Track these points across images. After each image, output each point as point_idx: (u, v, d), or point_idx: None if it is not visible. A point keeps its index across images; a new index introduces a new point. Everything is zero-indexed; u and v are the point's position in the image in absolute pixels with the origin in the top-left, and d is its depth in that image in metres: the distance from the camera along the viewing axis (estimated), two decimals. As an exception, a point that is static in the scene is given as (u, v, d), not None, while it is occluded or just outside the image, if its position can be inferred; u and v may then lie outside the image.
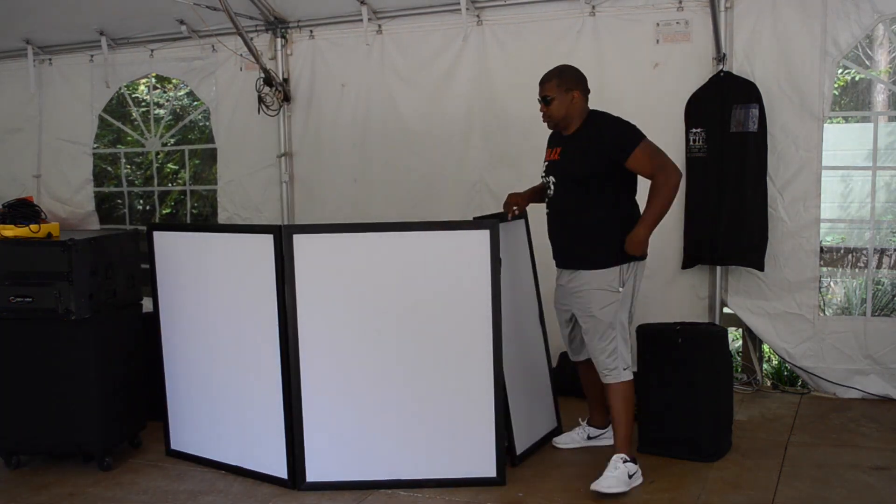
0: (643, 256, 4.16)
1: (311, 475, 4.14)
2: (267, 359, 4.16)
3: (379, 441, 4.12)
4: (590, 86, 5.65)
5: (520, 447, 4.36)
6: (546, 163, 4.26)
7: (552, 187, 4.20)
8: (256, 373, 4.24)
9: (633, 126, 4.08)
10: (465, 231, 4.04)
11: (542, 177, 4.28)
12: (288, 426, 4.14)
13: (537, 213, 5.11)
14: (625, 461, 4.02)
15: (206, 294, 4.42)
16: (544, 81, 4.17)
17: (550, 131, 4.31)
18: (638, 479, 4.07)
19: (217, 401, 4.45)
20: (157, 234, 4.54)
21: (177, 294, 4.52)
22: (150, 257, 4.55)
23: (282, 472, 4.19)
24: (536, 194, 4.42)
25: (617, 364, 4.08)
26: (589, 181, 4.07)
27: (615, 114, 5.63)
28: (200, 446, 4.57)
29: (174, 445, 4.68)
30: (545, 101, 4.15)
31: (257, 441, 4.29)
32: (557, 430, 4.75)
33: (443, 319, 4.06)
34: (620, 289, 4.07)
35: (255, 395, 4.27)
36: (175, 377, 4.62)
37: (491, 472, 4.10)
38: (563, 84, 4.12)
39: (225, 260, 4.31)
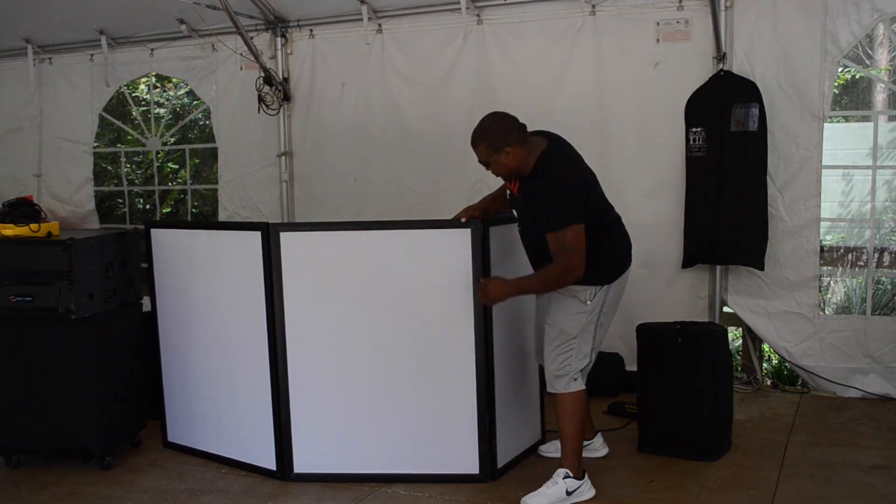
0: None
1: (299, 467, 4.23)
2: (256, 353, 4.24)
3: (365, 435, 4.19)
4: (590, 85, 5.68)
5: (501, 458, 4.25)
6: (509, 192, 4.04)
7: (518, 217, 4.09)
8: (246, 367, 4.33)
9: (569, 205, 3.75)
10: (448, 230, 4.09)
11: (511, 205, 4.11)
12: (276, 420, 4.23)
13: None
14: (566, 476, 3.90)
15: (200, 290, 4.50)
16: (474, 145, 3.90)
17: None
18: (583, 496, 3.93)
19: (210, 394, 4.54)
20: (154, 232, 4.64)
21: (173, 290, 4.61)
22: (147, 255, 4.65)
23: (270, 463, 4.28)
24: (496, 201, 4.20)
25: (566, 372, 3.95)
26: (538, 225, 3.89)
27: (613, 114, 5.63)
28: (196, 439, 4.64)
29: (171, 438, 4.77)
30: (484, 164, 3.92)
31: (248, 433, 4.37)
32: (542, 442, 4.64)
33: (426, 317, 4.12)
34: (589, 302, 3.92)
35: (245, 389, 4.36)
36: (171, 371, 4.71)
37: (474, 469, 4.14)
38: (492, 146, 3.82)
39: (216, 256, 4.41)
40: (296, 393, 4.19)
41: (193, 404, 4.64)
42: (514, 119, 3.90)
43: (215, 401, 4.53)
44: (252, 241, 4.17)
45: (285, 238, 4.11)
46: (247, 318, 4.27)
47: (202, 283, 4.49)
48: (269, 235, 4.12)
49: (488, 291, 3.91)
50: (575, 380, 3.94)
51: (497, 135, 3.82)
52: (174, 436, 4.76)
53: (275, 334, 4.17)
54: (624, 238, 4.09)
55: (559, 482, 3.89)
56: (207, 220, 7.93)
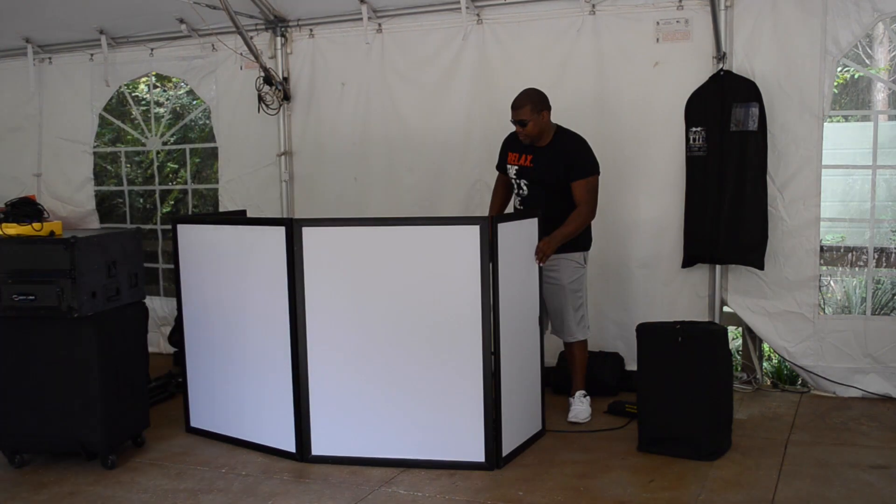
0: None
1: (316, 449, 4.45)
2: (278, 342, 4.46)
3: (377, 422, 4.39)
4: (589, 84, 5.72)
5: (506, 447, 4.39)
6: (516, 167, 5.03)
7: (524, 188, 5.02)
8: (268, 356, 4.56)
9: (594, 158, 4.94)
10: (457, 226, 4.35)
11: (514, 178, 5.07)
12: (296, 405, 4.46)
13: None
14: (584, 395, 5.06)
15: (225, 282, 4.74)
16: (517, 107, 4.86)
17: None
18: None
19: (233, 381, 4.76)
20: (180, 227, 4.94)
21: (197, 282, 4.87)
22: (173, 248, 4.97)
23: (290, 446, 4.49)
24: (505, 202, 5.29)
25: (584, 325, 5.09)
26: (556, 185, 4.90)
27: (613, 113, 5.67)
28: (218, 424, 4.88)
29: (194, 423, 5.02)
30: (521, 123, 4.85)
31: (268, 418, 4.62)
32: (543, 433, 4.78)
33: (436, 309, 4.30)
34: (585, 265, 5.06)
35: (266, 376, 4.59)
36: (195, 359, 4.97)
37: (480, 457, 4.28)
38: (536, 107, 4.83)
39: (241, 251, 4.65)
40: (314, 380, 4.41)
41: (216, 391, 4.85)
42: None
43: (237, 387, 4.74)
44: (276, 236, 4.38)
45: (307, 233, 4.34)
46: (269, 309, 4.48)
47: (227, 275, 4.71)
48: (293, 230, 4.33)
49: (543, 250, 4.67)
50: (587, 327, 5.13)
51: (539, 99, 4.88)
52: (196, 421, 5.00)
53: (296, 325, 4.38)
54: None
55: (583, 399, 5.04)
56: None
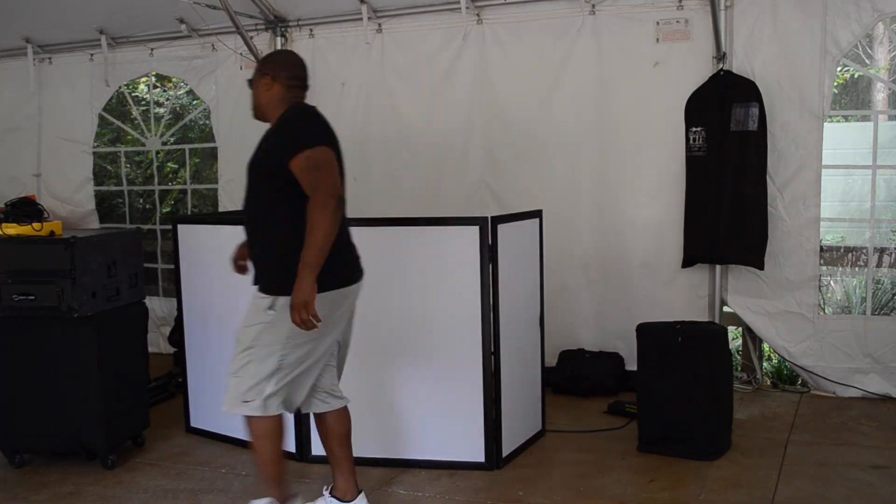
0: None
1: (316, 450, 4.38)
2: None
3: (378, 423, 4.37)
4: (588, 84, 5.68)
5: (506, 447, 4.40)
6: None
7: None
8: None
9: (319, 131, 3.36)
10: (457, 227, 4.32)
11: None
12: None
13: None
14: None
15: (222, 282, 4.64)
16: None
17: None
18: None
19: None
20: (180, 227, 4.97)
21: (197, 282, 4.88)
22: (173, 248, 4.99)
23: (290, 446, 4.42)
24: None
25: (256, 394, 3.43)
26: (266, 184, 3.45)
27: (613, 113, 5.66)
28: (218, 424, 4.83)
29: (194, 423, 5.00)
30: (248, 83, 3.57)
31: None
32: (543, 434, 4.78)
33: (436, 309, 4.30)
34: (271, 312, 3.38)
35: None
36: (195, 361, 4.95)
37: (480, 458, 4.28)
38: (261, 69, 3.53)
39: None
40: None
41: (216, 391, 4.74)
42: (302, 67, 3.55)
43: None
44: None
45: None
46: None
47: (227, 275, 4.57)
48: None
49: (300, 311, 3.19)
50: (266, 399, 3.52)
51: (272, 63, 3.55)
52: (197, 421, 4.99)
53: None
54: (351, 247, 3.54)
55: None
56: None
